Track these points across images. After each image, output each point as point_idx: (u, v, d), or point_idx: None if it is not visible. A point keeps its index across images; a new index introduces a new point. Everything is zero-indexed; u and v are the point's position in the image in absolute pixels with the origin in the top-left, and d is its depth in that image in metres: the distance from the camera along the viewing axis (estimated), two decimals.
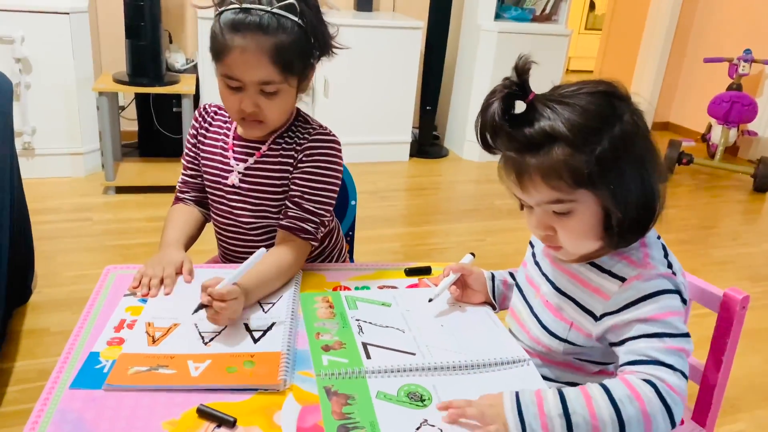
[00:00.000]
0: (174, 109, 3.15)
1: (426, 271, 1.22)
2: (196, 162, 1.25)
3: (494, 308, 1.10)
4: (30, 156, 2.96)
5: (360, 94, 3.49)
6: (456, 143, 4.03)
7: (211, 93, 3.17)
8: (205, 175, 1.23)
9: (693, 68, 4.77)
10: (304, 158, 1.16)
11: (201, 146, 1.24)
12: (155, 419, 0.77)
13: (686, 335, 0.82)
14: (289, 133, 1.19)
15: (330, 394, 0.83)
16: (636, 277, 0.84)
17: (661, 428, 0.76)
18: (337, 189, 1.19)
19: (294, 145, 1.17)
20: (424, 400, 0.83)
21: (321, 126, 1.21)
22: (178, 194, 1.28)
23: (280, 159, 1.17)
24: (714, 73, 4.37)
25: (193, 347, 0.91)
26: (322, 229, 1.19)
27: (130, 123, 3.35)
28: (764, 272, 2.69)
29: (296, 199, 1.16)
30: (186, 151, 1.26)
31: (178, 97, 3.02)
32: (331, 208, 1.20)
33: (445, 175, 3.69)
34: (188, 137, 1.26)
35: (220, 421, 0.78)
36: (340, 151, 1.19)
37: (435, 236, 2.83)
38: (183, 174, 1.28)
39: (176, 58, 3.21)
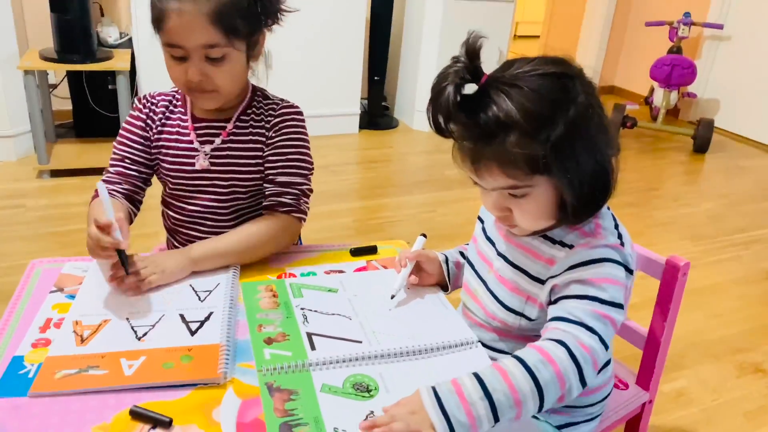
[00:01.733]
0: (109, 87, 3.01)
1: (372, 250, 1.19)
2: (138, 153, 1.15)
3: (446, 289, 1.08)
4: None
5: (305, 66, 3.39)
6: (406, 113, 3.99)
7: (149, 68, 3.03)
8: (162, 164, 1.16)
9: (636, 32, 4.84)
10: (273, 134, 1.13)
11: (154, 134, 1.15)
12: (85, 425, 0.73)
13: (619, 306, 0.82)
14: (253, 109, 1.15)
15: (272, 391, 0.80)
16: (583, 245, 0.85)
17: (574, 387, 0.76)
18: (310, 159, 1.17)
19: (263, 123, 1.14)
20: (371, 391, 0.81)
21: (282, 99, 1.18)
22: (107, 186, 1.13)
23: (251, 137, 1.14)
24: (655, 36, 4.45)
25: (126, 344, 0.86)
26: (305, 199, 1.15)
27: (63, 102, 3.19)
28: (704, 231, 2.78)
29: (271, 176, 1.13)
30: (124, 141, 1.16)
31: (113, 74, 2.88)
32: (308, 179, 1.16)
33: (396, 146, 3.66)
34: (129, 127, 1.16)
35: (155, 422, 0.74)
36: (303, 119, 1.17)
37: (387, 209, 2.81)
38: (115, 165, 1.16)
39: (109, 32, 3.05)
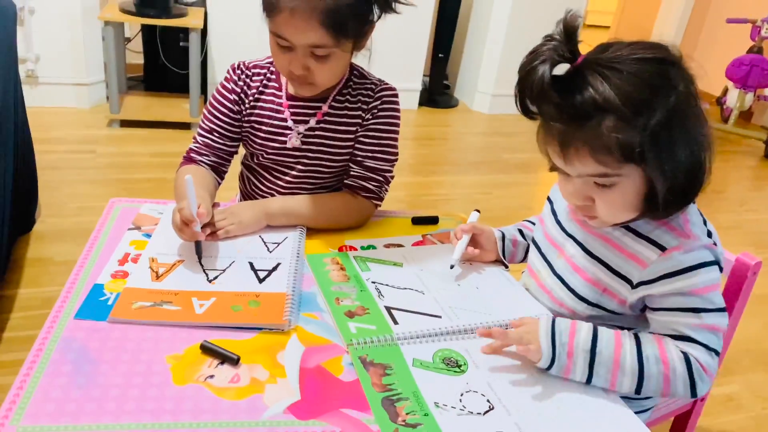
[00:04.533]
0: (181, 44, 3.07)
1: (433, 220, 1.20)
2: (227, 126, 1.14)
3: (505, 266, 1.08)
4: (34, 84, 2.91)
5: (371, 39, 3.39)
6: (467, 94, 3.95)
7: (220, 28, 3.09)
8: (254, 138, 1.15)
9: (714, 28, 4.63)
10: (370, 117, 1.13)
11: (247, 108, 1.14)
12: (159, 353, 0.77)
13: (723, 310, 0.81)
14: (350, 90, 1.13)
15: (366, 365, 0.79)
16: (677, 248, 0.81)
17: (680, 394, 0.80)
18: (397, 145, 1.16)
19: (359, 104, 1.12)
20: (461, 366, 0.81)
21: (380, 80, 1.16)
22: (193, 155, 1.15)
23: (345, 120, 1.13)
24: (735, 34, 4.25)
25: (198, 284, 0.90)
26: (386, 186, 1.16)
27: (135, 56, 3.28)
28: None
29: (359, 158, 1.14)
30: (214, 112, 1.14)
31: (185, 31, 2.94)
32: (393, 165, 1.16)
33: (454, 125, 3.64)
34: (220, 99, 1.14)
35: (223, 357, 0.78)
36: (399, 103, 1.16)
37: (441, 187, 2.81)
38: (203, 136, 1.15)
39: None
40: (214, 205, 1.09)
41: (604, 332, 0.80)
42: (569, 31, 0.76)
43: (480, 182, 2.89)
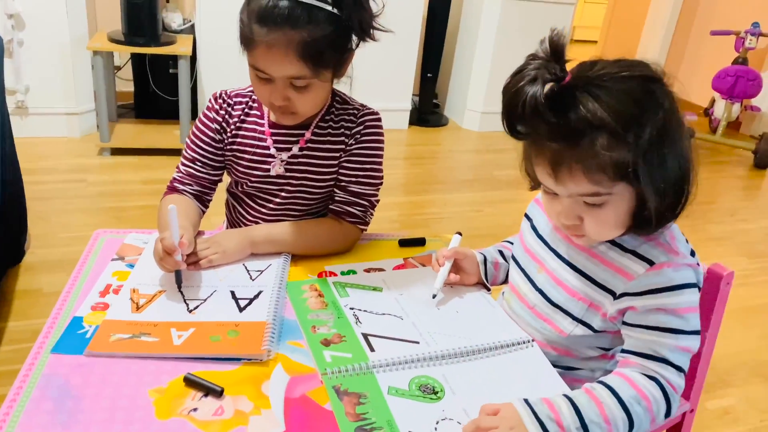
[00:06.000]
0: (170, 71, 3.09)
1: (420, 242, 1.20)
2: (210, 155, 1.14)
3: (487, 289, 1.07)
4: (23, 115, 2.91)
5: (360, 60, 3.41)
6: (456, 112, 3.97)
7: (209, 54, 3.11)
8: (236, 167, 1.15)
9: (699, 41, 4.69)
10: (353, 142, 1.13)
11: (229, 137, 1.14)
12: (142, 387, 0.77)
13: (698, 333, 0.82)
14: (332, 116, 1.13)
15: (340, 394, 0.78)
16: (667, 263, 0.81)
17: (660, 420, 0.80)
18: (382, 169, 1.16)
19: (342, 129, 1.12)
20: (437, 392, 0.80)
21: (363, 105, 1.16)
22: (177, 185, 1.15)
23: (329, 146, 1.13)
24: (720, 46, 4.30)
25: (178, 315, 0.89)
26: (371, 210, 1.16)
27: (126, 83, 3.30)
28: (761, 249, 2.68)
29: (343, 184, 1.14)
30: (197, 141, 1.14)
31: (174, 58, 2.96)
32: (378, 189, 1.16)
33: (445, 144, 3.65)
34: (203, 127, 1.14)
35: (207, 390, 0.77)
36: (382, 127, 1.16)
37: (433, 206, 2.81)
38: (187, 165, 1.15)
39: (173, 18, 3.13)
40: (199, 233, 1.09)
41: (580, 399, 0.77)
42: (556, 49, 0.75)
43: (472, 200, 2.89)
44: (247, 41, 0.98)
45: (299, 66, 0.96)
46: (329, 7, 0.95)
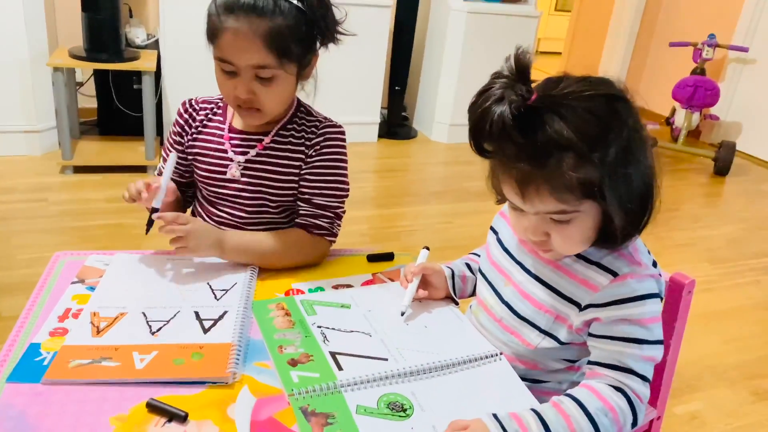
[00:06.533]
0: (134, 86, 3.05)
1: (389, 257, 1.20)
2: (179, 157, 1.18)
3: (456, 303, 1.07)
4: None
5: (328, 74, 3.41)
6: (425, 124, 4.00)
7: (174, 70, 3.07)
8: (198, 171, 1.17)
9: (659, 52, 4.82)
10: (314, 154, 1.13)
11: (189, 140, 1.17)
12: (103, 414, 0.74)
13: (661, 342, 0.83)
14: (294, 125, 1.15)
15: (308, 415, 0.77)
16: (630, 274, 0.82)
17: (627, 429, 0.80)
18: (347, 181, 1.16)
19: (303, 140, 1.14)
20: (406, 410, 0.79)
21: (326, 118, 1.18)
22: None
23: (288, 154, 1.13)
24: (679, 57, 4.42)
25: (140, 338, 0.87)
26: (338, 222, 1.16)
27: (88, 100, 3.23)
28: (723, 255, 2.75)
29: (307, 196, 1.14)
30: (168, 145, 1.20)
31: (138, 74, 2.92)
32: (343, 201, 1.17)
33: (414, 156, 3.67)
34: (172, 132, 1.19)
35: (171, 415, 0.75)
36: (345, 140, 1.17)
37: (404, 218, 2.81)
38: (162, 166, 1.20)
39: (137, 33, 3.09)
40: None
41: (548, 413, 0.77)
42: (521, 68, 0.75)
43: (442, 212, 2.91)
44: (214, 31, 1.01)
45: (264, 54, 0.99)
46: (295, 1, 1.00)
